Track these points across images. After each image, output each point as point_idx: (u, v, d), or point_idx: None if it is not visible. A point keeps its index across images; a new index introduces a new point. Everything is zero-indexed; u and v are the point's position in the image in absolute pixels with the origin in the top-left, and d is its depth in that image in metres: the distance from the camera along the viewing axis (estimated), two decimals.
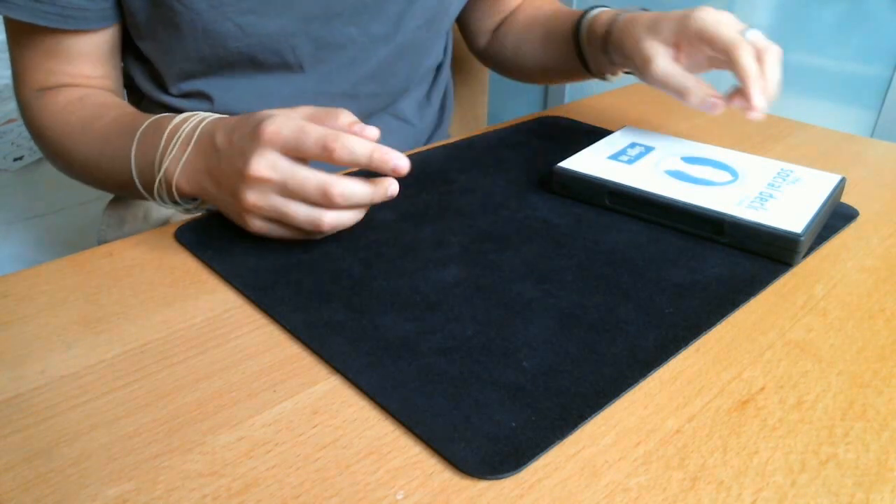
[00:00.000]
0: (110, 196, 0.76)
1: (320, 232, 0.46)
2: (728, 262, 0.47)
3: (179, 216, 0.70)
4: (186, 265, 0.47)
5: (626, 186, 0.52)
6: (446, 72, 0.81)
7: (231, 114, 0.51)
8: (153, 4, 0.57)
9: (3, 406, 0.35)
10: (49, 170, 1.23)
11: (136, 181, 0.53)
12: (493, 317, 0.41)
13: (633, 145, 0.60)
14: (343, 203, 0.44)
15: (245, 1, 0.57)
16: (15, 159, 1.15)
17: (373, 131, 0.45)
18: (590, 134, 0.70)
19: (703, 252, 0.48)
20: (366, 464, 0.32)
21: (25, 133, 1.15)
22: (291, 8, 0.59)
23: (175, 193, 0.50)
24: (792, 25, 1.29)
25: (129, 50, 0.65)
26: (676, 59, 0.56)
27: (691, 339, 0.39)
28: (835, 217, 0.53)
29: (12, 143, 1.20)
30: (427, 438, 0.33)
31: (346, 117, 0.45)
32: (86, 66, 0.60)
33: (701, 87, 0.53)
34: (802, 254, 0.47)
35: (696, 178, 0.53)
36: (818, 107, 1.30)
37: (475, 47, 0.84)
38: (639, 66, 0.57)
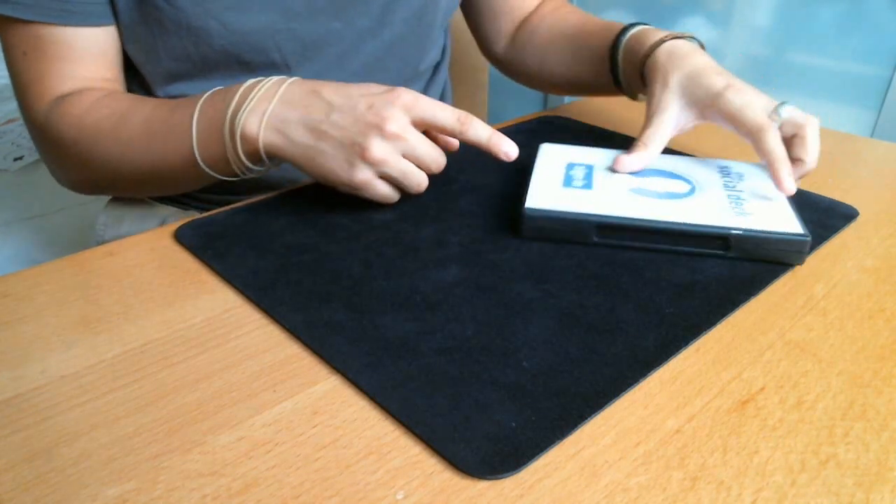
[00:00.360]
0: (109, 196, 0.76)
1: (418, 192, 0.52)
2: (728, 262, 0.47)
3: (178, 214, 0.70)
4: (186, 265, 0.47)
5: (616, 218, 0.48)
6: (444, 72, 0.80)
7: None
8: (138, 2, 0.56)
9: (3, 406, 0.35)
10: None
11: (197, 154, 0.52)
12: (493, 317, 0.41)
13: (571, 166, 0.56)
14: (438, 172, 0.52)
15: None
16: (15, 159, 1.15)
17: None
18: (590, 133, 0.70)
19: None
20: (366, 464, 0.32)
21: (25, 133, 1.15)
22: (274, 3, 0.59)
23: (246, 153, 0.51)
24: (792, 25, 1.29)
25: None
26: (685, 119, 0.56)
27: (691, 339, 0.39)
28: (835, 217, 0.53)
29: (12, 143, 1.20)
30: (427, 438, 0.32)
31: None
32: (100, 68, 0.59)
33: (651, 150, 0.55)
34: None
35: (661, 193, 0.51)
36: (818, 107, 1.30)
37: (491, 53, 0.82)
38: (649, 106, 0.57)
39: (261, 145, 0.50)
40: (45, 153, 0.61)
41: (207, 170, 0.53)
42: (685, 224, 0.47)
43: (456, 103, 1.02)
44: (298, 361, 0.38)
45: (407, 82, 0.73)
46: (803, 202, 0.55)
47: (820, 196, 0.57)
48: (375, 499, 0.30)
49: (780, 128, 0.52)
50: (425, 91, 0.77)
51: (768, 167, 0.51)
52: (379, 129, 0.47)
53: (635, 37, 0.63)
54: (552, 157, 0.58)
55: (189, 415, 0.34)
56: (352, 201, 0.53)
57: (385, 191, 0.51)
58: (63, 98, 0.57)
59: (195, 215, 0.54)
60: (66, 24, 0.56)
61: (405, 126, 0.48)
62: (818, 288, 0.45)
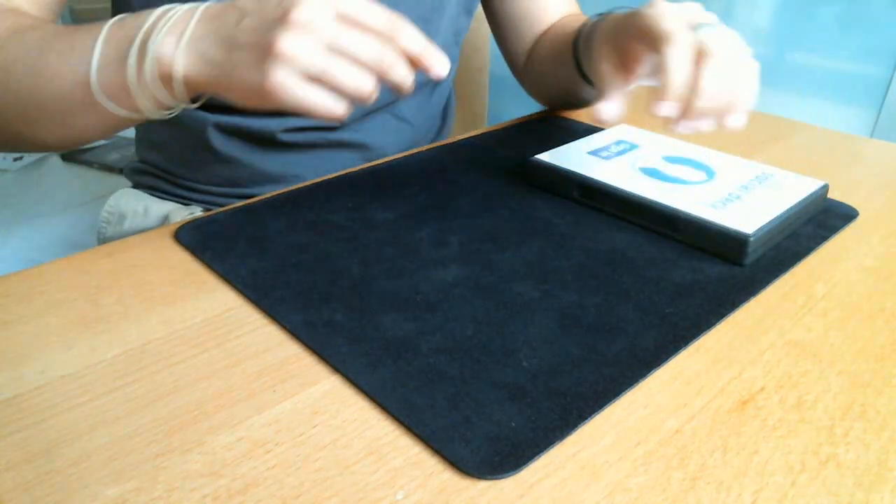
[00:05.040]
0: (109, 196, 0.76)
1: (363, 97, 0.43)
2: (728, 261, 0.47)
3: (180, 211, 0.70)
4: (186, 265, 0.47)
5: (594, 180, 0.53)
6: (447, 84, 0.79)
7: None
8: None
9: (3, 406, 0.35)
10: (49, 170, 1.23)
11: (93, 77, 0.45)
12: (493, 317, 0.41)
13: (618, 142, 0.60)
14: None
15: None
16: (15, 159, 1.15)
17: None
18: (589, 133, 0.70)
19: (703, 252, 0.48)
20: (366, 464, 0.32)
21: None
22: None
23: (161, 78, 0.44)
24: (792, 25, 1.29)
25: None
26: (624, 64, 0.52)
27: (691, 339, 0.39)
28: (835, 217, 0.53)
29: None
30: (427, 438, 0.33)
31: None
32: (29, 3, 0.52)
33: (614, 98, 0.50)
34: (755, 256, 0.47)
35: (670, 177, 0.53)
36: (818, 107, 1.30)
37: (515, 71, 0.80)
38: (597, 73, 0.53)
39: (179, 68, 0.43)
40: None
41: (104, 98, 0.45)
42: (642, 197, 0.50)
43: (456, 103, 1.02)
44: (298, 361, 0.38)
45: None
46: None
47: None
48: (375, 499, 0.30)
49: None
50: (432, 92, 0.76)
51: (661, 84, 0.45)
52: (284, 20, 0.40)
53: (594, 22, 0.60)
54: (613, 133, 0.63)
55: (189, 415, 0.34)
56: (351, 201, 0.53)
57: (315, 95, 0.42)
58: None
59: (197, 212, 0.53)
60: None
61: (317, 14, 0.40)
62: (818, 288, 0.45)
